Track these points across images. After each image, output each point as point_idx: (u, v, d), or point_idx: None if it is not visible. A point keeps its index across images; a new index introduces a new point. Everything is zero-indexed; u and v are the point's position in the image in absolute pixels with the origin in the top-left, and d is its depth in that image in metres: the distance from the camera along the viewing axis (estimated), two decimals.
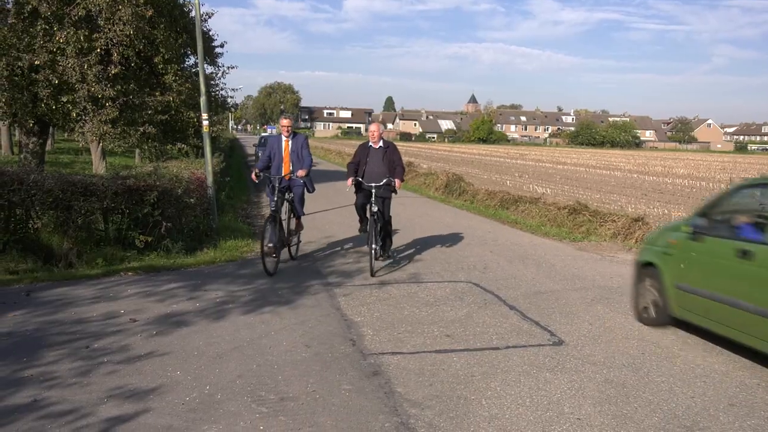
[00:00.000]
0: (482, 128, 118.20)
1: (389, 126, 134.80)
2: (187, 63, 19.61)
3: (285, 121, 9.57)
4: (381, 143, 9.61)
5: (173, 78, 16.74)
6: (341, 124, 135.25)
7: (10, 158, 28.12)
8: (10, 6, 14.71)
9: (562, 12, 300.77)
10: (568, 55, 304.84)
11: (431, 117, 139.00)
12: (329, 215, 15.33)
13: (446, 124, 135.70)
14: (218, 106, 21.43)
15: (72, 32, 14.23)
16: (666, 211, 17.99)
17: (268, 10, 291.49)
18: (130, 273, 8.79)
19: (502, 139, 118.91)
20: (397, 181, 9.36)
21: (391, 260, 9.94)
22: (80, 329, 6.26)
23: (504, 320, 7.02)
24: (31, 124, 15.99)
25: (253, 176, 9.44)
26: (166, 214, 10.27)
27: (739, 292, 5.75)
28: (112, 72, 14.83)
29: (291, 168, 9.45)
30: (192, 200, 11.17)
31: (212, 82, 20.22)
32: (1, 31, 14.30)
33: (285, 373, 5.27)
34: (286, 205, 9.60)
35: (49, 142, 25.85)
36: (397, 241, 11.65)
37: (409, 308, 7.43)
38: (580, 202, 15.66)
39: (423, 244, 11.83)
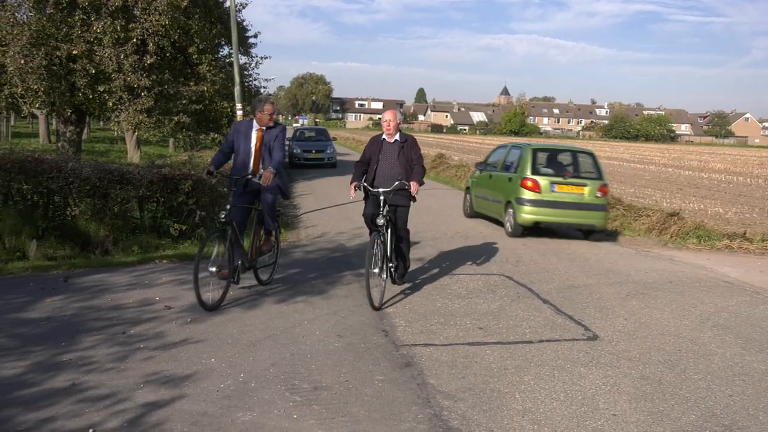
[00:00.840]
0: (514, 120, 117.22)
1: (420, 117, 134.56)
2: (221, 53, 19.84)
3: (269, 107, 7.14)
4: (397, 136, 7.66)
5: (207, 68, 16.94)
6: (372, 116, 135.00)
7: (47, 146, 28.67)
8: None
9: (597, 3, 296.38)
10: (603, 47, 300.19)
11: (463, 109, 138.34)
12: (359, 206, 15.31)
13: (478, 116, 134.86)
14: (251, 96, 21.59)
15: (109, 22, 14.46)
16: (702, 206, 17.68)
17: (301, 1, 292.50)
18: (164, 261, 8.89)
19: (535, 132, 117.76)
20: (413, 185, 7.32)
21: (408, 284, 8.13)
22: (116, 315, 6.36)
23: (537, 314, 6.96)
24: (68, 113, 16.31)
25: (205, 174, 7.42)
26: (201, 203, 10.39)
27: (488, 193, 13.24)
28: (148, 62, 15.05)
29: (261, 167, 7.13)
30: (225, 189, 11.24)
31: (246, 72, 20.39)
32: (40, 21, 14.57)
33: (318, 363, 5.28)
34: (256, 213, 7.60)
35: (85, 131, 26.26)
36: (429, 232, 11.62)
37: (441, 300, 7.40)
38: (614, 196, 15.47)
39: (455, 236, 11.78)
